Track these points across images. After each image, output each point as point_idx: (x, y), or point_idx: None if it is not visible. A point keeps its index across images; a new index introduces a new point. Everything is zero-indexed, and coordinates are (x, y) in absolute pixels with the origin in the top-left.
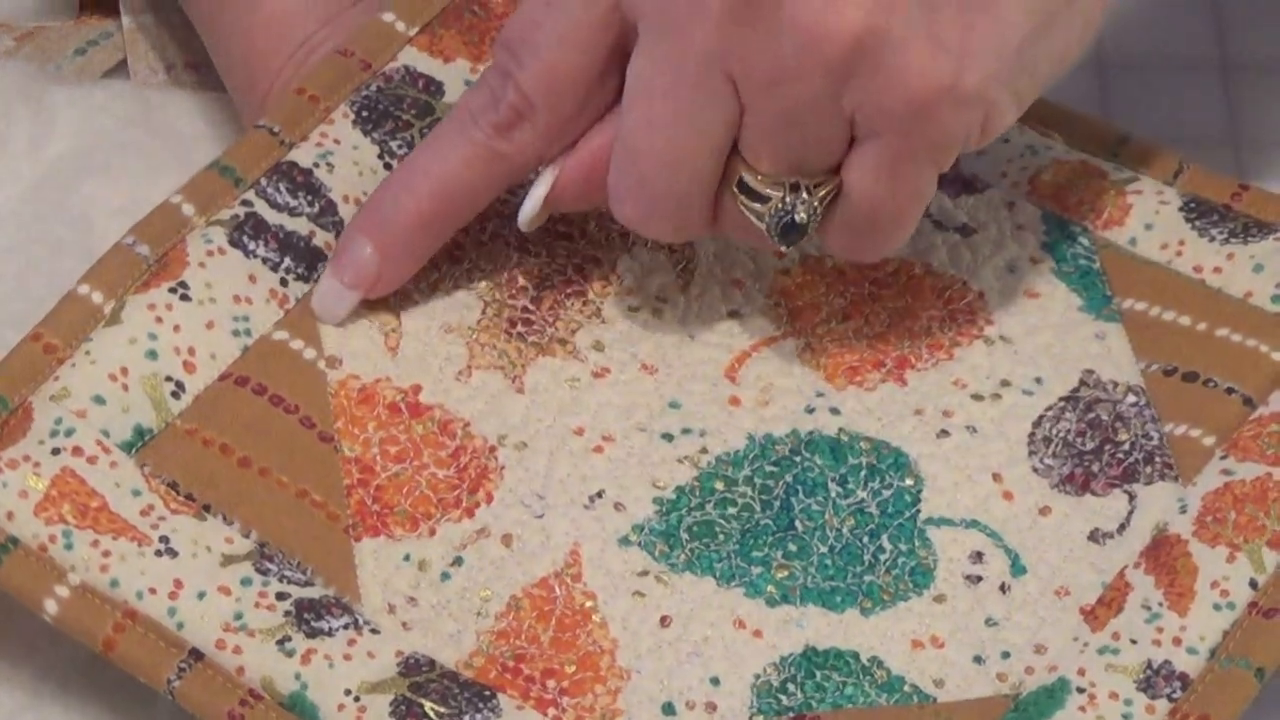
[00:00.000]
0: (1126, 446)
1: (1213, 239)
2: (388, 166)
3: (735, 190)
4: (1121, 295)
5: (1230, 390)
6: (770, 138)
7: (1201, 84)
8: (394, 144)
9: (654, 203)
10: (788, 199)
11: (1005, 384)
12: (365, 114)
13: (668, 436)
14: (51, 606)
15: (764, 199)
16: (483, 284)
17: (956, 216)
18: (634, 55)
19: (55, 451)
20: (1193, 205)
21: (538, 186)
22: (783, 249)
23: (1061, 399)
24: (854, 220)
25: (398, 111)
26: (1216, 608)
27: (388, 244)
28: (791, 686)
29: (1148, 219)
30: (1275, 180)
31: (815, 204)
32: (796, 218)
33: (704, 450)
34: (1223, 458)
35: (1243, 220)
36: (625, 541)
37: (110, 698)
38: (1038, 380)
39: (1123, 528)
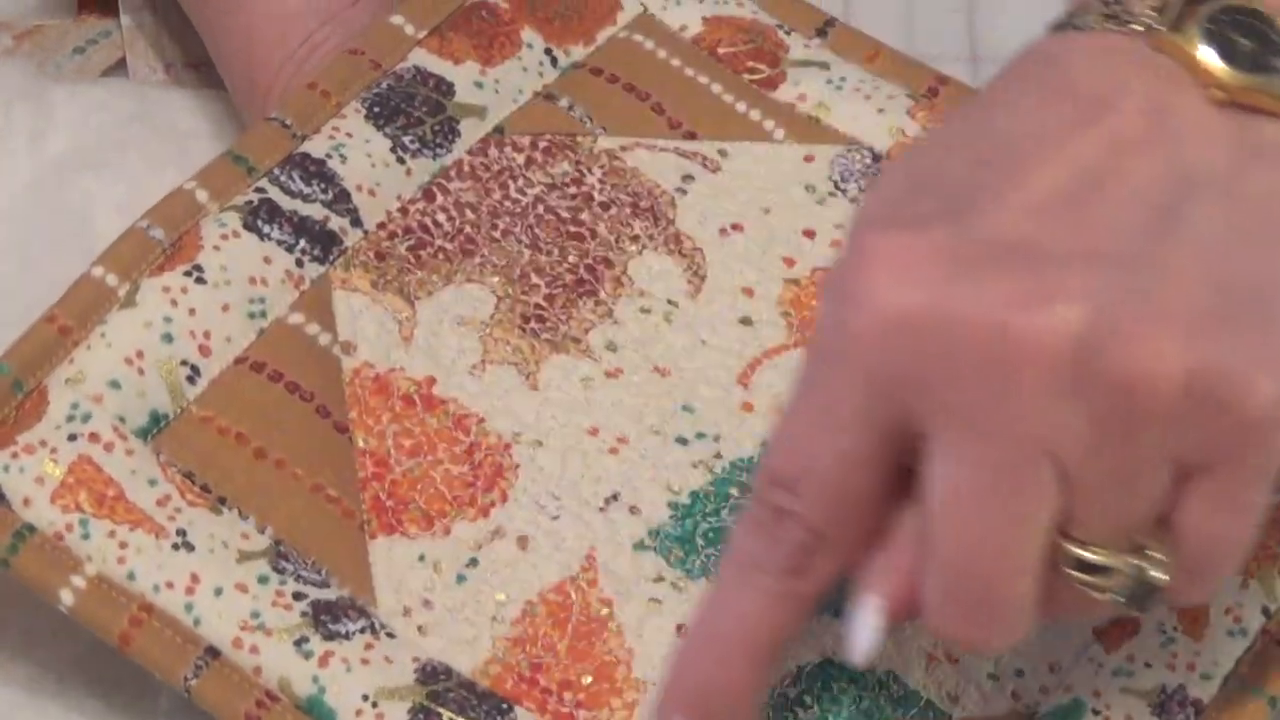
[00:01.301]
0: None
1: None
2: (400, 160)
3: (1068, 570)
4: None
5: None
6: (1102, 506)
7: None
8: (406, 139)
9: (991, 614)
10: (1135, 565)
11: None
12: (377, 109)
13: (681, 440)
14: (68, 597)
15: (1108, 571)
16: (495, 279)
17: None
18: (933, 464)
19: (72, 438)
20: None
21: (867, 627)
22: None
23: None
24: (1194, 562)
25: (409, 108)
26: (1230, 634)
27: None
28: (808, 699)
29: None
30: None
31: (1166, 560)
32: (1154, 580)
33: (718, 455)
34: None
35: None
36: (641, 546)
37: (109, 695)
38: None
39: None
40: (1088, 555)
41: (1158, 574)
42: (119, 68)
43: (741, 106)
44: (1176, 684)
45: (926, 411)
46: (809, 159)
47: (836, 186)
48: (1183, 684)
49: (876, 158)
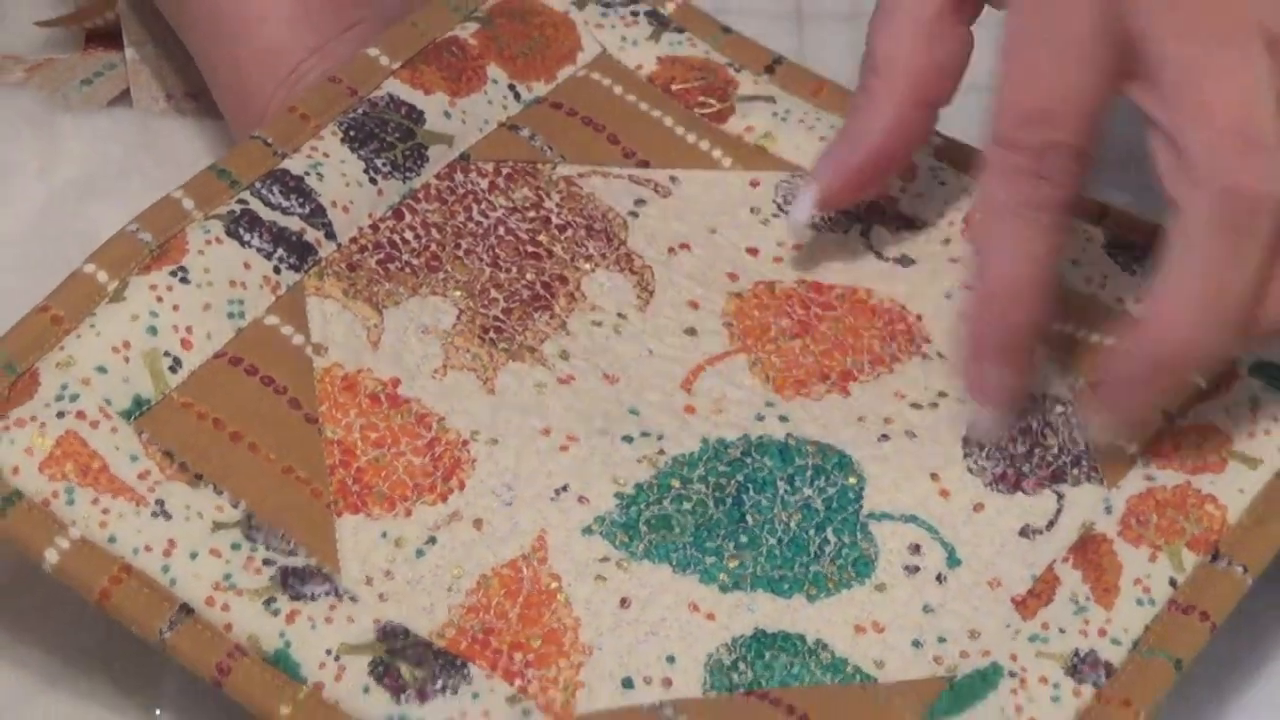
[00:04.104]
0: (1055, 450)
1: (1134, 273)
2: (373, 180)
3: None
4: (1049, 320)
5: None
6: None
7: None
8: (378, 161)
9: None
10: None
11: (942, 395)
12: (352, 133)
13: (628, 439)
14: (52, 556)
15: None
16: (457, 293)
17: (897, 249)
18: (1166, 55)
19: (60, 415)
20: (1116, 243)
21: None
22: None
23: None
24: None
25: (382, 133)
26: (1139, 603)
27: (1016, 359)
28: (742, 665)
29: (1074, 255)
30: None
31: None
32: None
33: (661, 452)
34: (1145, 464)
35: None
36: (588, 531)
37: (117, 680)
38: None
39: (1051, 524)
40: None
41: None
42: (123, 98)
43: (691, 138)
44: (1089, 648)
45: (1151, 10)
46: (755, 184)
47: (780, 208)
48: (1094, 649)
49: None
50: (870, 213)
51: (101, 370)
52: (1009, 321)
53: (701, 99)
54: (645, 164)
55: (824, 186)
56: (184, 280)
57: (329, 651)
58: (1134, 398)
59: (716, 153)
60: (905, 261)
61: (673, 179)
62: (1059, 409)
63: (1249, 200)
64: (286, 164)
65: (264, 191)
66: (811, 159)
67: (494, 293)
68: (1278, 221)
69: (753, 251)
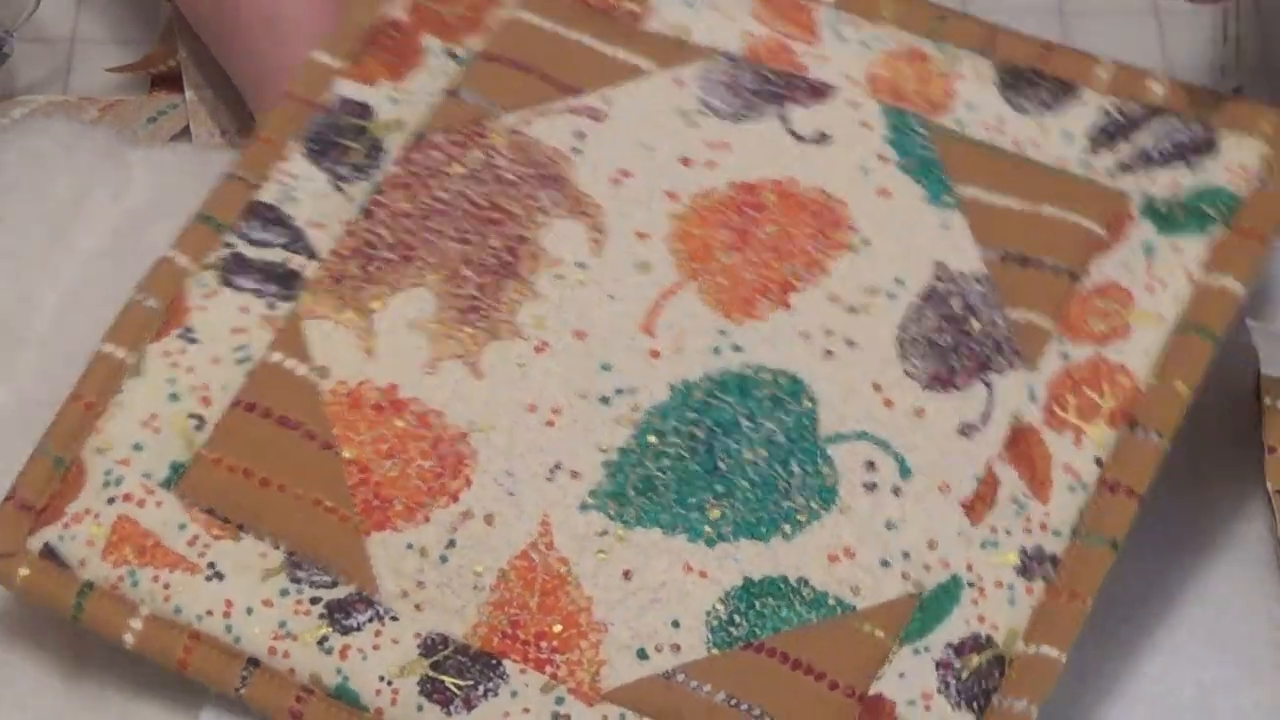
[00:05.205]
0: (979, 335)
1: (1025, 111)
2: (339, 189)
3: None
4: (958, 181)
5: (1056, 269)
6: None
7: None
8: (340, 169)
9: None
10: None
11: (872, 291)
12: (314, 146)
13: (604, 400)
14: (129, 638)
15: None
16: (431, 278)
17: (811, 126)
18: None
19: (110, 500)
20: (1007, 78)
21: None
22: None
23: (919, 297)
24: None
25: (339, 139)
26: (1071, 489)
27: None
28: (738, 617)
29: (969, 99)
30: None
31: None
32: None
33: (635, 408)
34: (1060, 339)
35: (1049, 85)
36: (584, 507)
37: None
38: (898, 281)
39: (985, 418)
40: None
41: None
42: (184, 134)
43: (613, 52)
44: (1034, 545)
45: None
46: (679, 82)
47: (704, 105)
48: (1039, 544)
49: (732, 60)
50: (786, 90)
51: (137, 448)
52: None
53: (615, 3)
54: (578, 91)
55: None
56: (192, 340)
57: (382, 678)
58: None
59: (638, 59)
60: (822, 139)
61: (605, 99)
62: (978, 287)
63: None
64: (260, 195)
65: (247, 230)
66: (724, 39)
67: (465, 270)
68: None
69: (686, 162)
